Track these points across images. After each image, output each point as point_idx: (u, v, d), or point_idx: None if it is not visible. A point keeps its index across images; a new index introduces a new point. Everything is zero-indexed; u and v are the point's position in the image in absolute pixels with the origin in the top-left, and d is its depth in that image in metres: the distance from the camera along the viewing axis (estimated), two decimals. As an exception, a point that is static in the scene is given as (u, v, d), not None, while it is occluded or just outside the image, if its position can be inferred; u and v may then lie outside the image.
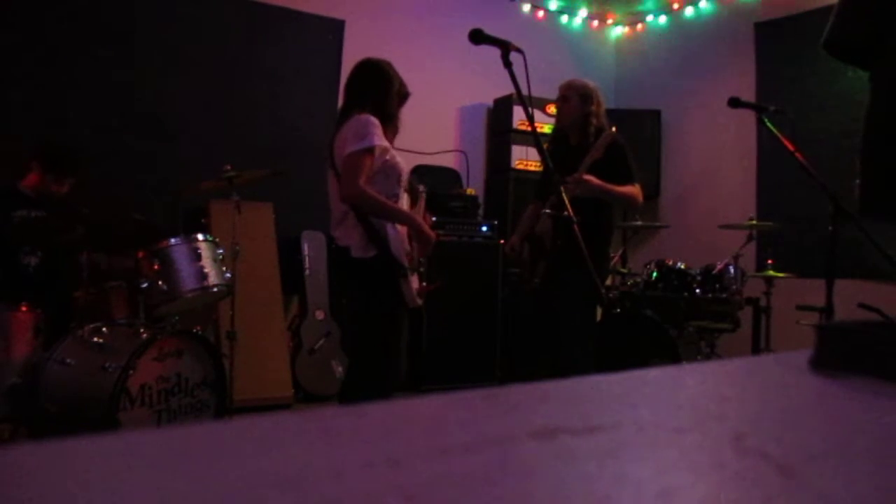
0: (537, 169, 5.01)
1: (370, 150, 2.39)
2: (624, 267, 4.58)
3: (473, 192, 4.98)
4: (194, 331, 3.01)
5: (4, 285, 3.03)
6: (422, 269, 2.59)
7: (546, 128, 4.21)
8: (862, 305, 0.94)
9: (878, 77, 0.98)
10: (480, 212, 4.98)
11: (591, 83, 3.18)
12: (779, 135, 2.74)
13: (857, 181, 0.95)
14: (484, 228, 4.74)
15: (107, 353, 2.70)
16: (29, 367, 2.75)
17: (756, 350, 4.08)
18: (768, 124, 2.79)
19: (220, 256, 3.16)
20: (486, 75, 4.49)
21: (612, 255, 3.81)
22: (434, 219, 3.60)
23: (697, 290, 3.83)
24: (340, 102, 2.68)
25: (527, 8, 5.66)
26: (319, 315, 4.37)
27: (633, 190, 3.06)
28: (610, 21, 6.04)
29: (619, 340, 3.79)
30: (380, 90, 2.54)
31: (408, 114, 2.68)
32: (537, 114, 4.55)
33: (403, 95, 2.62)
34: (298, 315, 4.45)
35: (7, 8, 3.78)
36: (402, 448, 0.40)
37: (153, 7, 4.20)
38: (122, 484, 0.32)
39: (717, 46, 5.32)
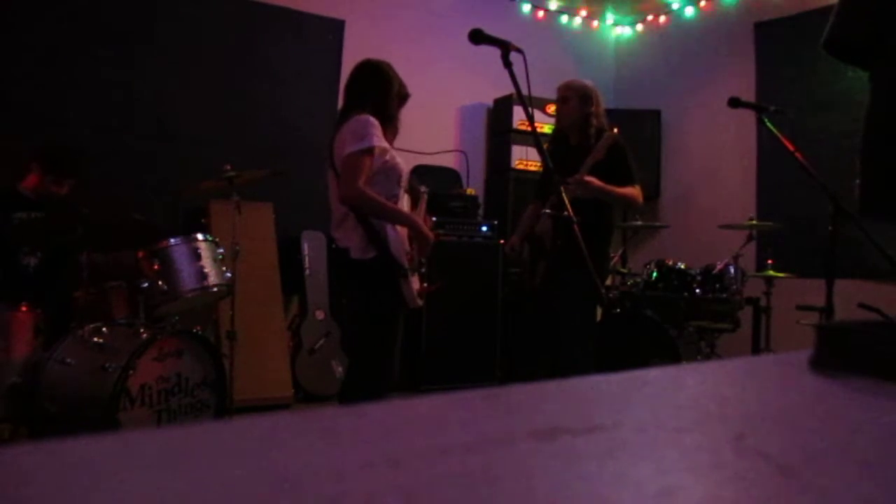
0: (537, 169, 5.01)
1: (369, 151, 2.39)
2: (624, 267, 4.58)
3: (473, 192, 4.98)
4: (194, 331, 3.01)
5: (4, 285, 3.03)
6: (423, 270, 2.59)
7: (546, 128, 4.21)
8: (862, 305, 0.94)
9: (878, 77, 0.98)
10: (480, 212, 4.98)
11: (590, 83, 3.19)
12: (779, 135, 2.74)
13: (857, 181, 0.95)
14: (484, 228, 4.74)
15: (107, 353, 2.70)
16: (29, 367, 2.75)
17: (756, 350, 4.08)
18: (768, 124, 2.79)
19: (220, 256, 3.16)
20: (486, 75, 4.50)
21: (612, 255, 3.81)
22: (434, 219, 3.60)
23: (697, 290, 3.83)
24: (340, 103, 2.69)
25: (527, 8, 5.66)
26: (319, 315, 4.37)
27: (634, 191, 3.07)
28: (610, 21, 6.04)
29: (619, 340, 3.79)
30: (380, 91, 2.54)
31: (408, 114, 2.68)
32: (537, 114, 4.55)
33: (403, 96, 2.62)
34: (298, 315, 4.45)
35: (7, 8, 3.78)
36: (402, 448, 0.40)
37: (153, 7, 4.20)
38: (122, 484, 0.32)
39: (717, 46, 5.31)
